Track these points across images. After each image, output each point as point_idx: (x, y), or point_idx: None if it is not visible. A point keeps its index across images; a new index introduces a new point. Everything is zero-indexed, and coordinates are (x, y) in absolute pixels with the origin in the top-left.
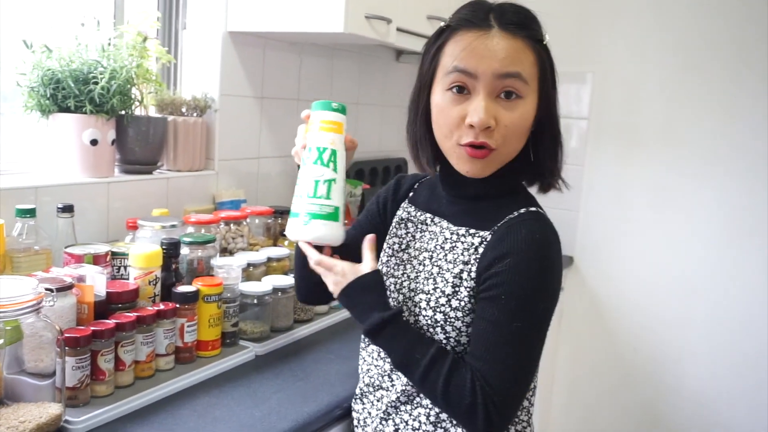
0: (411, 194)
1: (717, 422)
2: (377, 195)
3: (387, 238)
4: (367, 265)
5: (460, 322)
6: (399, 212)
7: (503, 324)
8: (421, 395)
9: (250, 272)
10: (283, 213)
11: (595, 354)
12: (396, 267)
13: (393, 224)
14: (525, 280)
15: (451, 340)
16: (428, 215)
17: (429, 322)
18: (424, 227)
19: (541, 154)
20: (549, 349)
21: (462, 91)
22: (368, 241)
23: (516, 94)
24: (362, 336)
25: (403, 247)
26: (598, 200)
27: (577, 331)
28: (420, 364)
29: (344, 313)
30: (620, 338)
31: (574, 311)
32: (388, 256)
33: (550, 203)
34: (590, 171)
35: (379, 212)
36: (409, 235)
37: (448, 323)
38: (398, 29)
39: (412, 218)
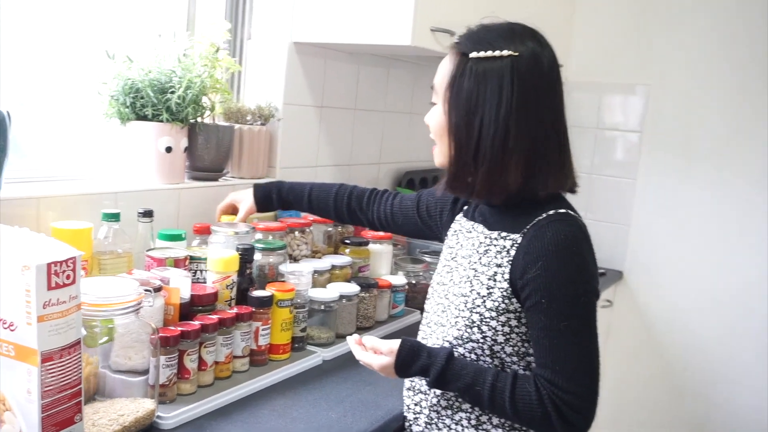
0: (465, 207)
1: None
2: (427, 194)
3: (443, 248)
4: (393, 343)
5: (495, 321)
6: (453, 225)
7: (552, 327)
8: (460, 400)
9: (315, 279)
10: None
11: (644, 369)
12: (446, 275)
13: (448, 236)
14: (560, 280)
15: (488, 339)
16: (472, 223)
17: (467, 322)
18: (468, 234)
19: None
20: None
21: None
22: (364, 342)
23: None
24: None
25: (453, 256)
26: (650, 215)
27: (626, 347)
28: (483, 394)
29: (403, 322)
30: (670, 354)
31: (624, 326)
32: (441, 266)
33: (599, 217)
34: (642, 185)
35: (420, 211)
36: (458, 244)
37: (483, 323)
38: None
39: (461, 228)
